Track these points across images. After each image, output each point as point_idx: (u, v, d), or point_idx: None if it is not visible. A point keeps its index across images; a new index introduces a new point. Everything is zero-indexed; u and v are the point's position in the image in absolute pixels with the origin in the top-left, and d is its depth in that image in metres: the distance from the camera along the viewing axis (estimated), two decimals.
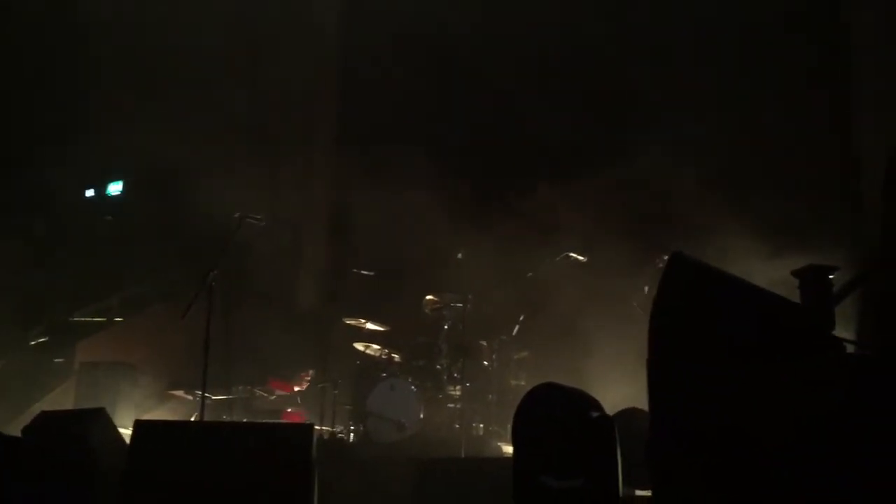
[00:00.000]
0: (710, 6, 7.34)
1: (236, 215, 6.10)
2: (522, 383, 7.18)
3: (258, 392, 7.56)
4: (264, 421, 6.98)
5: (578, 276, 7.10)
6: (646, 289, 6.63)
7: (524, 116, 7.79)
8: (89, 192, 7.92)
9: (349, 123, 8.51)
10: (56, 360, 7.43)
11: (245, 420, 7.05)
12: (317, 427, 7.04)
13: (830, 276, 4.08)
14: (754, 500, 3.33)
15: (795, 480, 3.30)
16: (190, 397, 7.24)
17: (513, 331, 7.37)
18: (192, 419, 6.80)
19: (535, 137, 7.82)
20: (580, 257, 7.06)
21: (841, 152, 6.86)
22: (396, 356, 7.44)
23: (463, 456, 6.44)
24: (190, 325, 6.30)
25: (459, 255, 7.40)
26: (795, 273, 4.09)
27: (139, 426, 4.63)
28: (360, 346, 7.49)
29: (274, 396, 7.65)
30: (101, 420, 4.76)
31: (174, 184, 7.74)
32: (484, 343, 7.34)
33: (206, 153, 7.34)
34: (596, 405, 4.20)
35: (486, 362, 7.31)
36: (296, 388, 7.60)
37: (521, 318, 7.36)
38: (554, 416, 4.14)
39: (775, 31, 7.11)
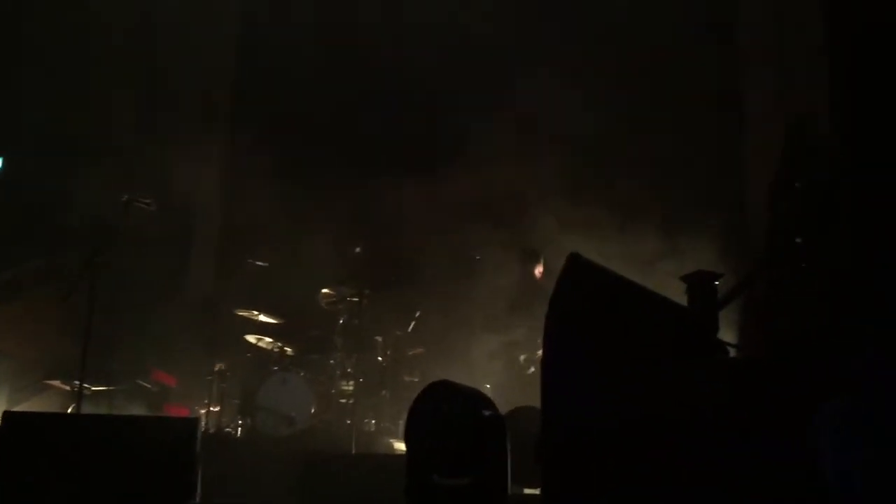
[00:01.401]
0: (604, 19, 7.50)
1: (124, 198, 5.83)
2: (416, 380, 7.16)
3: (141, 384, 7.28)
4: (146, 414, 6.73)
5: (475, 273, 7.14)
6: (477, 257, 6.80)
7: (429, 103, 7.77)
8: None
9: (247, 112, 8.29)
10: None
11: (126, 413, 6.76)
12: (203, 421, 6.88)
13: (716, 282, 4.24)
14: (642, 499, 3.41)
15: (681, 478, 3.39)
16: (67, 387, 6.90)
17: (408, 327, 7.35)
18: (69, 411, 6.48)
19: (437, 132, 7.80)
20: (477, 256, 7.10)
21: (730, 168, 7.12)
22: (289, 349, 7.30)
23: (353, 452, 6.38)
24: (69, 313, 6.00)
25: (357, 250, 7.32)
26: (683, 278, 4.23)
27: (8, 418, 4.37)
28: (251, 339, 7.31)
29: (158, 388, 7.38)
30: None
31: (57, 163, 7.35)
32: (379, 339, 7.29)
33: (93, 132, 7.00)
34: (488, 403, 4.22)
35: (380, 358, 7.26)
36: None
37: (417, 315, 7.34)
38: (446, 413, 4.13)
39: (670, 47, 7.31)
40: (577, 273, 3.80)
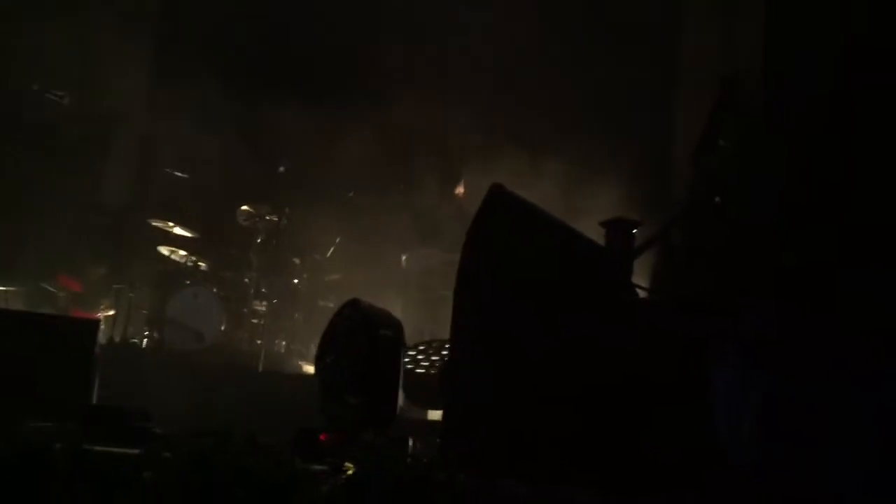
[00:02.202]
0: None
1: (35, 87, 5.51)
2: (331, 305, 7.10)
3: (45, 287, 7.03)
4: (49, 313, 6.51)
5: (398, 204, 7.09)
6: None
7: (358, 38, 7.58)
8: None
9: (175, 17, 7.90)
10: None
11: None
12: (108, 328, 6.70)
13: (633, 231, 4.31)
14: (544, 429, 3.47)
15: (583, 414, 3.46)
16: None
17: (327, 252, 7.27)
18: None
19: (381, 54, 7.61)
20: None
21: (660, 121, 7.18)
22: (203, 265, 7.14)
23: (260, 370, 6.33)
24: None
25: (281, 169, 7.16)
26: (603, 223, 4.28)
27: None
28: (164, 251, 7.11)
29: (63, 293, 7.14)
30: None
31: None
32: (297, 261, 7.20)
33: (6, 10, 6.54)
34: (391, 323, 4.23)
35: (296, 280, 7.18)
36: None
37: (338, 240, 7.27)
38: (349, 331, 4.13)
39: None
40: (498, 203, 3.79)
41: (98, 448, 3.40)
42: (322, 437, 3.82)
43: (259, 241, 7.08)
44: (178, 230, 7.05)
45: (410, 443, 3.93)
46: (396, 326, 4.29)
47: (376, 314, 4.23)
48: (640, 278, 4.31)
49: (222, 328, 6.80)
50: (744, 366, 3.33)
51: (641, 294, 3.96)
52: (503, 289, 3.68)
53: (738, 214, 4.75)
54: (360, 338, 4.07)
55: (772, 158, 4.37)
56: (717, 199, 5.09)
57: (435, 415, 4.69)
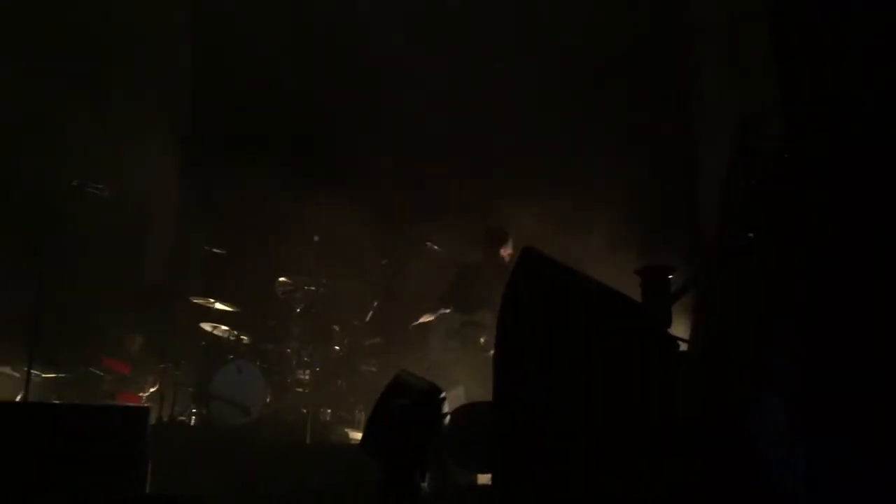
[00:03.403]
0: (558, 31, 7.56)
1: (75, 183, 5.73)
2: (373, 369, 7.17)
3: (93, 371, 7.17)
4: (97, 403, 6.63)
5: (435, 265, 7.15)
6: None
7: (391, 95, 7.75)
8: None
9: (203, 102, 8.18)
10: None
11: (77, 401, 6.66)
12: (156, 409, 6.81)
13: (669, 276, 4.30)
14: (592, 494, 3.46)
15: (632, 474, 3.45)
16: (17, 374, 6.77)
17: (366, 317, 7.34)
18: (18, 399, 6.36)
19: (390, 120, 7.79)
20: (436, 247, 7.11)
21: (683, 169, 7.24)
22: (245, 338, 7.25)
23: (308, 441, 6.37)
24: (19, 298, 5.89)
25: (315, 238, 7.29)
26: (637, 272, 4.28)
27: None
28: (207, 327, 7.23)
29: (110, 376, 7.28)
30: None
31: (3, 145, 7.19)
32: (336, 328, 7.28)
33: (45, 114, 6.86)
34: (417, 392, 4.26)
35: (337, 347, 7.25)
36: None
37: (375, 305, 7.34)
38: (396, 410, 4.17)
39: (624, 47, 7.39)
40: (530, 266, 3.83)
41: None
42: None
43: (298, 311, 7.18)
44: (218, 306, 7.19)
45: None
46: (423, 394, 4.30)
47: (405, 385, 4.27)
48: (677, 326, 4.31)
49: (268, 400, 6.87)
50: (788, 418, 3.31)
51: (681, 346, 3.95)
52: (542, 352, 3.70)
53: (768, 252, 4.73)
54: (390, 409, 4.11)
55: (797, 196, 4.37)
56: (749, 235, 5.09)
57: (485, 478, 4.69)
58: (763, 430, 3.21)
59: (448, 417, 4.33)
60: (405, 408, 4.28)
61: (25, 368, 5.76)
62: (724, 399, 3.40)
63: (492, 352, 6.16)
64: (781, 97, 4.56)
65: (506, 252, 6.62)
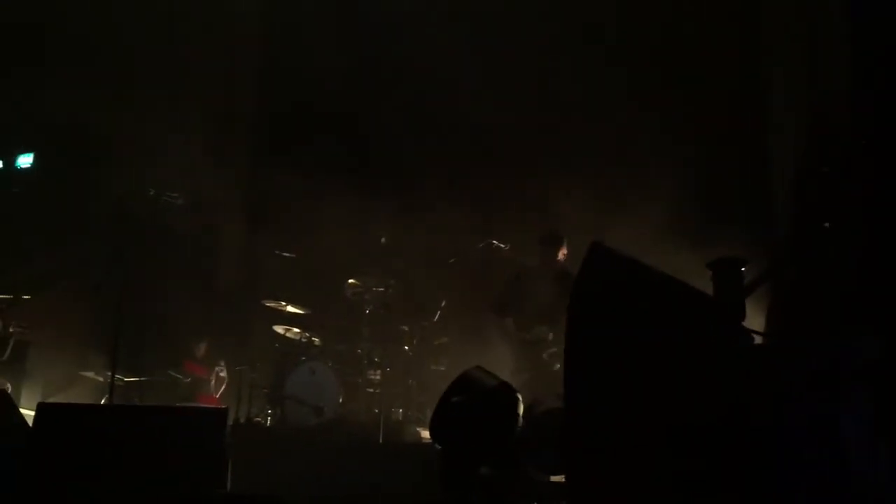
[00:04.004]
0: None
1: (152, 192, 5.92)
2: (443, 368, 7.20)
3: (174, 375, 7.38)
4: (177, 405, 6.82)
5: (500, 263, 7.14)
6: None
7: (450, 97, 7.77)
8: None
9: (273, 104, 8.35)
10: None
11: (158, 404, 6.87)
12: (233, 411, 6.97)
13: (742, 269, 4.20)
14: (663, 490, 3.41)
15: (708, 470, 3.38)
16: (101, 379, 7.02)
17: (434, 316, 7.38)
18: (102, 402, 6.60)
19: (461, 121, 7.81)
20: (502, 245, 7.09)
21: (756, 158, 7.07)
22: (317, 340, 7.36)
23: (381, 441, 6.43)
24: (102, 305, 6.09)
25: (382, 240, 7.35)
26: (709, 265, 4.20)
27: (42, 409, 4.46)
28: (279, 329, 7.38)
29: (190, 379, 7.49)
30: (2, 402, 4.57)
31: (88, 158, 7.47)
32: (405, 328, 7.33)
33: (122, 128, 7.11)
34: (503, 393, 4.26)
35: (406, 347, 7.30)
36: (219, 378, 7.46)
37: (443, 304, 7.37)
38: (466, 406, 4.17)
39: (694, 39, 7.27)
40: (598, 262, 3.79)
41: None
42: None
43: (368, 312, 7.26)
44: (290, 308, 7.32)
45: None
46: (488, 392, 4.30)
47: (471, 381, 4.28)
48: (753, 320, 4.21)
49: (340, 400, 6.97)
50: (873, 409, 3.19)
51: (757, 339, 3.86)
52: (613, 348, 3.66)
53: (846, 241, 4.59)
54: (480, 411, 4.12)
55: (872, 183, 4.23)
56: (826, 225, 4.94)
57: (557, 477, 4.67)
58: (847, 425, 3.11)
59: (523, 419, 4.32)
60: (460, 404, 4.30)
61: (109, 373, 5.96)
62: (803, 394, 3.31)
63: (557, 366, 6.17)
64: (854, 83, 4.42)
65: (562, 254, 6.58)
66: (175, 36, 7.92)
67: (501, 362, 6.12)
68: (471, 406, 4.30)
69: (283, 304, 7.30)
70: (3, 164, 7.66)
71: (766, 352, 3.89)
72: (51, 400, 6.81)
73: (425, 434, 6.68)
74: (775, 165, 6.72)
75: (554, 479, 4.65)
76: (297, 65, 7.93)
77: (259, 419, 7.12)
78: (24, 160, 7.59)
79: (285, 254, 7.46)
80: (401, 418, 7.15)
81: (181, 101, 7.77)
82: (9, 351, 6.80)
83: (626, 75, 7.25)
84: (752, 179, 6.96)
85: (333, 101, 8.00)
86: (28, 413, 4.80)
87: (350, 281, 7.34)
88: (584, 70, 7.32)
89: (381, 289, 7.19)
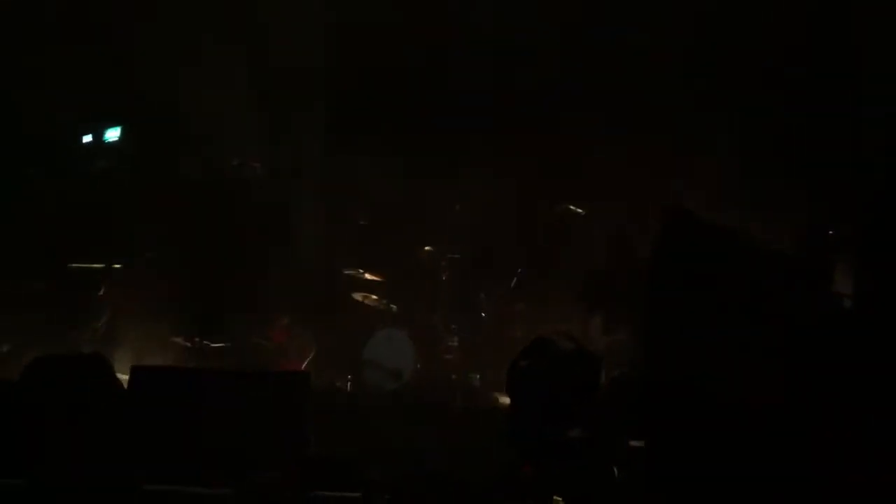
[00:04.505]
0: None
1: (235, 162, 6.06)
2: (519, 335, 7.19)
3: (258, 341, 7.57)
4: (261, 369, 7.01)
5: (577, 228, 7.09)
6: None
7: (517, 61, 7.69)
8: (87, 138, 7.81)
9: (349, 74, 8.39)
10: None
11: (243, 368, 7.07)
12: (314, 376, 7.12)
13: (829, 233, 4.08)
14: (746, 455, 3.36)
15: (791, 438, 3.32)
16: (189, 344, 7.26)
17: (511, 283, 7.38)
18: (190, 366, 6.83)
19: (530, 85, 7.72)
20: (579, 210, 7.02)
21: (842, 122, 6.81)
22: (394, 307, 7.46)
23: (459, 405, 6.49)
24: (190, 272, 6.27)
25: (457, 207, 7.38)
26: (795, 230, 4.09)
27: (136, 372, 4.64)
28: (358, 297, 7.49)
29: (274, 346, 7.67)
30: (97, 365, 4.75)
31: (172, 130, 7.67)
32: (482, 295, 7.35)
33: (206, 99, 7.26)
34: (587, 357, 4.22)
35: (483, 314, 7.33)
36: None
37: (520, 271, 7.35)
38: (545, 367, 4.16)
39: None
40: (678, 225, 3.73)
41: (322, 494, 3.65)
42: (525, 468, 3.87)
43: (444, 278, 7.32)
44: (367, 276, 7.42)
45: (616, 471, 3.90)
46: (562, 357, 4.27)
47: (545, 346, 4.26)
48: (842, 285, 4.08)
49: (417, 366, 7.06)
50: None
51: (846, 303, 3.75)
52: (695, 313, 3.60)
53: None
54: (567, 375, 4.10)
55: None
56: None
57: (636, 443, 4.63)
58: None
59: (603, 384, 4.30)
60: (525, 368, 4.29)
61: (197, 338, 6.17)
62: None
63: None
64: None
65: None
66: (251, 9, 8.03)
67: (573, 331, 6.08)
68: (542, 369, 4.29)
69: (361, 271, 7.40)
70: (92, 137, 7.91)
71: (851, 318, 3.77)
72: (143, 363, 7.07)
73: (503, 399, 6.72)
74: (866, 128, 6.44)
75: (634, 444, 4.62)
76: (371, 35, 7.94)
77: (338, 384, 7.27)
78: (112, 133, 7.82)
79: (361, 222, 7.55)
80: (477, 384, 7.20)
81: (260, 73, 7.90)
82: (104, 319, 7.09)
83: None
84: (839, 142, 6.70)
85: (411, 68, 7.97)
86: (122, 378, 5.00)
87: (427, 248, 7.39)
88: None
89: (458, 256, 7.22)
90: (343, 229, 7.80)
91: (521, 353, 4.54)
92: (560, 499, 3.09)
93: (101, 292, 7.14)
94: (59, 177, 7.52)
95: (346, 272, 7.47)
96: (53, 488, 3.55)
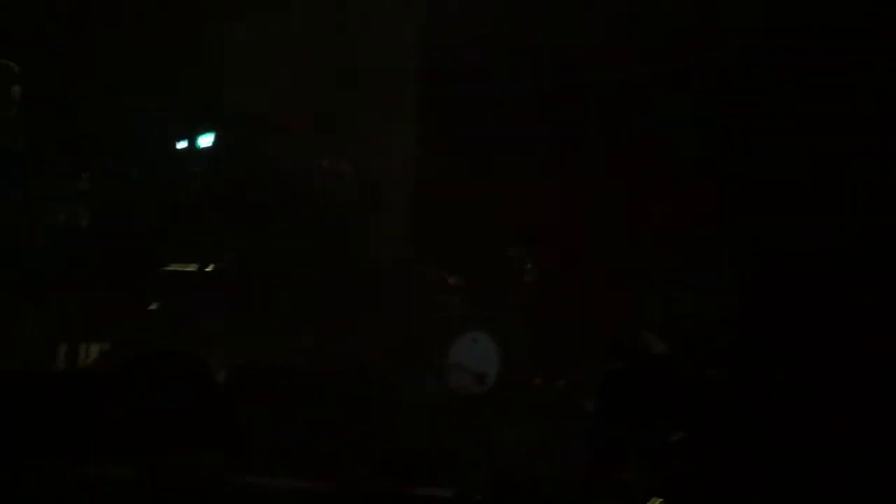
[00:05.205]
0: None
1: (323, 163, 6.15)
2: (606, 336, 7.08)
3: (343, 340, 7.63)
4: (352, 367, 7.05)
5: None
6: None
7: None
8: (182, 144, 8.04)
9: (441, 73, 8.41)
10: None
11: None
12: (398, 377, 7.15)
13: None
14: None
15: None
16: (277, 342, 7.35)
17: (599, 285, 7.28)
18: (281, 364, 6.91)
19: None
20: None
21: None
22: (479, 309, 7.44)
23: (543, 409, 6.44)
24: (278, 273, 6.35)
25: (545, 208, 7.33)
26: None
27: (231, 368, 4.75)
28: (442, 298, 7.50)
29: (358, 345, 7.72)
30: (193, 363, 4.90)
31: (263, 133, 7.84)
32: (569, 297, 7.27)
33: (296, 103, 7.41)
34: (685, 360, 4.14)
35: (569, 316, 7.24)
36: None
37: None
38: (645, 370, 4.10)
39: None
40: None
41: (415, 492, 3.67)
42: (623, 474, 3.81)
43: (529, 280, 7.26)
44: (453, 279, 7.43)
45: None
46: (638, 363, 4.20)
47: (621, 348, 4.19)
48: None
49: (502, 369, 7.01)
50: None
51: None
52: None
53: None
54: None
55: None
56: None
57: None
58: None
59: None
60: (616, 371, 4.24)
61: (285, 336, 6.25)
62: None
63: None
64: None
65: None
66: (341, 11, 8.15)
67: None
68: (635, 372, 4.22)
69: (446, 273, 7.41)
70: (186, 142, 8.12)
71: None
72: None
73: (591, 402, 6.63)
74: None
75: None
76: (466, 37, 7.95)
77: (427, 385, 7.27)
78: (205, 139, 8.01)
79: (446, 223, 7.57)
80: (563, 388, 7.12)
81: (348, 74, 8.00)
82: (198, 317, 7.27)
83: None
84: None
85: (505, 60, 7.93)
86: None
87: (513, 249, 7.36)
88: None
89: (544, 257, 7.18)
90: (430, 230, 7.84)
91: (611, 355, 4.49)
92: (660, 500, 3.02)
93: (195, 292, 7.33)
94: (155, 177, 7.74)
95: (432, 273, 7.48)
96: (158, 478, 3.66)
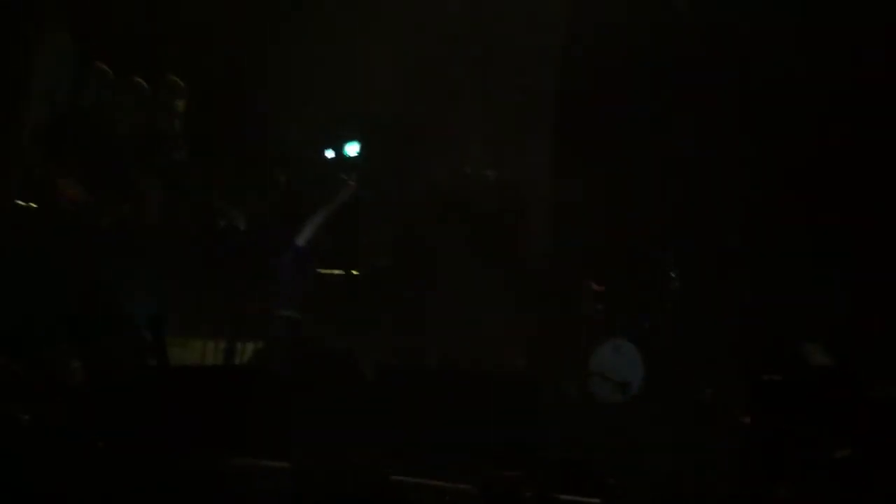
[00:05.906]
0: None
1: (468, 170, 6.25)
2: (756, 347, 6.84)
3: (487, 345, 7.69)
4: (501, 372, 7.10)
5: None
6: None
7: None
8: (329, 153, 8.34)
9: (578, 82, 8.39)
10: None
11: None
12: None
13: None
14: None
15: None
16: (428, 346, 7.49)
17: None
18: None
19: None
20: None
21: None
22: (622, 317, 7.35)
23: (692, 419, 6.28)
24: (423, 279, 6.48)
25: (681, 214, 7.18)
26: None
27: (386, 369, 4.92)
28: (583, 307, 7.45)
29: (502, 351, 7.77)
30: (349, 361, 5.08)
31: (409, 144, 8.04)
32: (712, 304, 7.08)
33: (438, 110, 7.56)
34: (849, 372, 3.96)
35: (714, 324, 7.05)
36: None
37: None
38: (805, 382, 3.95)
39: None
40: None
41: (562, 497, 3.67)
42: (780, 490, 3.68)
43: (669, 287, 7.13)
44: (594, 286, 7.37)
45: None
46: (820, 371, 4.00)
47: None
48: None
49: (647, 378, 6.89)
50: None
51: None
52: None
53: None
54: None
55: None
56: None
57: None
58: None
59: None
60: (774, 383, 4.07)
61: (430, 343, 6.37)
62: None
63: None
64: None
65: None
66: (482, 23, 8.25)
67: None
68: (795, 384, 4.06)
69: (589, 281, 7.37)
70: (334, 153, 8.41)
71: None
72: None
73: (744, 413, 6.40)
74: None
75: None
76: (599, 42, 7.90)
77: (566, 393, 7.24)
78: (352, 149, 8.27)
79: (588, 230, 7.52)
80: (710, 398, 6.92)
81: (489, 83, 8.10)
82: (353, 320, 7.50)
83: None
84: None
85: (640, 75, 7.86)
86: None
87: (651, 256, 7.23)
88: None
89: (684, 264, 7.02)
90: (570, 238, 7.81)
91: (765, 366, 4.33)
92: None
93: (353, 297, 7.58)
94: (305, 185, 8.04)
95: (573, 281, 7.45)
96: (314, 473, 3.81)
